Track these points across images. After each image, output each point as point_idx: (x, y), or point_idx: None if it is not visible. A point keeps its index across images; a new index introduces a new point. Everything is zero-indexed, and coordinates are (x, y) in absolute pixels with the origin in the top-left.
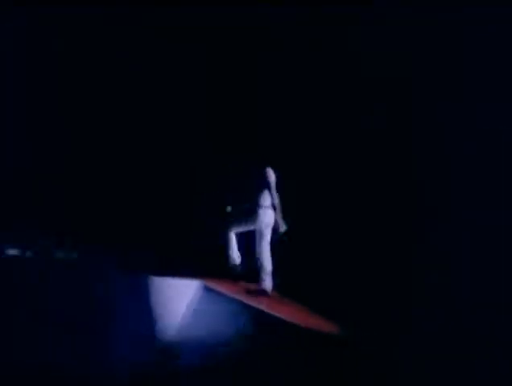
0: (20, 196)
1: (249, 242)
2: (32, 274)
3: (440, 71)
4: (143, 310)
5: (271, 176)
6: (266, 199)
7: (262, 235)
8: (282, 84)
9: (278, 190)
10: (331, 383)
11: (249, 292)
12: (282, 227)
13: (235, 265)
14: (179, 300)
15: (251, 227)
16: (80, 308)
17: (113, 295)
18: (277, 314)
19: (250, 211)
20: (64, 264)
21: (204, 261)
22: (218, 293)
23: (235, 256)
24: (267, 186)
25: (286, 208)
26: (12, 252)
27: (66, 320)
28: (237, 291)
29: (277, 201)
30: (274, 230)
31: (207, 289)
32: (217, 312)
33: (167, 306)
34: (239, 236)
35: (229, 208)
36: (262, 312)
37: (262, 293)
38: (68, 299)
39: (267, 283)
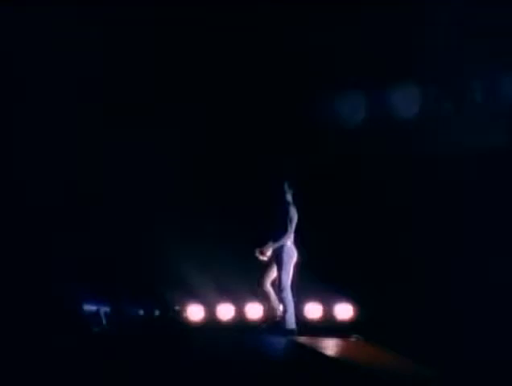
0: None
1: None
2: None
3: None
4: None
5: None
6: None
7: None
8: None
9: None
10: None
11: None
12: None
13: (292, 331)
14: (268, 355)
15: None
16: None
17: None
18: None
19: (288, 251)
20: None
21: None
22: (309, 349)
23: (293, 320)
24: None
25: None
26: (89, 308)
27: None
28: (328, 346)
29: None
30: None
31: (298, 346)
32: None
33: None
34: None
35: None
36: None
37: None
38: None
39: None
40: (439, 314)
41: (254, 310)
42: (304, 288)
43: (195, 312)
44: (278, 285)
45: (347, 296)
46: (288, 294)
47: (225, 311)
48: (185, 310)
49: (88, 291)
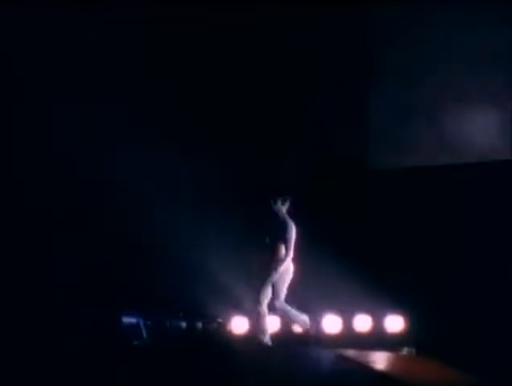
0: None
1: None
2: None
3: None
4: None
5: (288, 230)
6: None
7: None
8: None
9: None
10: None
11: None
12: None
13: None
14: (314, 370)
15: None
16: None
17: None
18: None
19: (277, 266)
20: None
21: None
22: (354, 363)
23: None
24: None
25: None
26: (129, 320)
27: None
28: (378, 360)
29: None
30: None
31: (342, 359)
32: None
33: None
34: None
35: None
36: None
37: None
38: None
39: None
40: (497, 323)
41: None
42: (352, 299)
43: (239, 324)
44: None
45: (398, 307)
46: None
47: (271, 323)
48: (229, 323)
49: (129, 303)
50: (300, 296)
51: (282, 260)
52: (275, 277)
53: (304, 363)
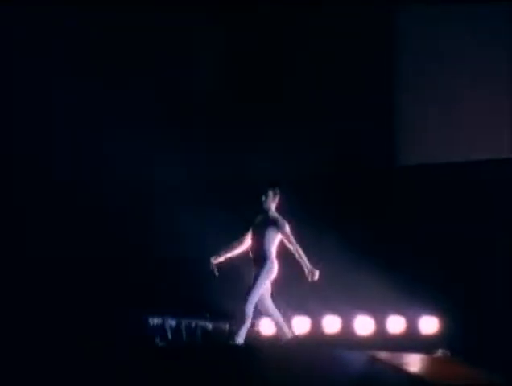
0: None
1: None
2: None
3: None
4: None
5: (286, 226)
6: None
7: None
8: None
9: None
10: None
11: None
12: (315, 274)
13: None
14: (345, 372)
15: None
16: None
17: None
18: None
19: (264, 265)
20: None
21: None
22: (387, 365)
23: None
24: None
25: None
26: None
27: None
28: (412, 363)
29: (299, 248)
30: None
31: (375, 361)
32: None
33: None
34: None
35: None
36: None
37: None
38: None
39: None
40: None
41: (332, 324)
42: (386, 300)
43: (267, 326)
44: (245, 296)
45: (432, 307)
46: (251, 310)
47: (301, 325)
48: (257, 324)
49: (154, 303)
50: (332, 297)
51: (273, 261)
52: (270, 277)
53: (336, 366)
